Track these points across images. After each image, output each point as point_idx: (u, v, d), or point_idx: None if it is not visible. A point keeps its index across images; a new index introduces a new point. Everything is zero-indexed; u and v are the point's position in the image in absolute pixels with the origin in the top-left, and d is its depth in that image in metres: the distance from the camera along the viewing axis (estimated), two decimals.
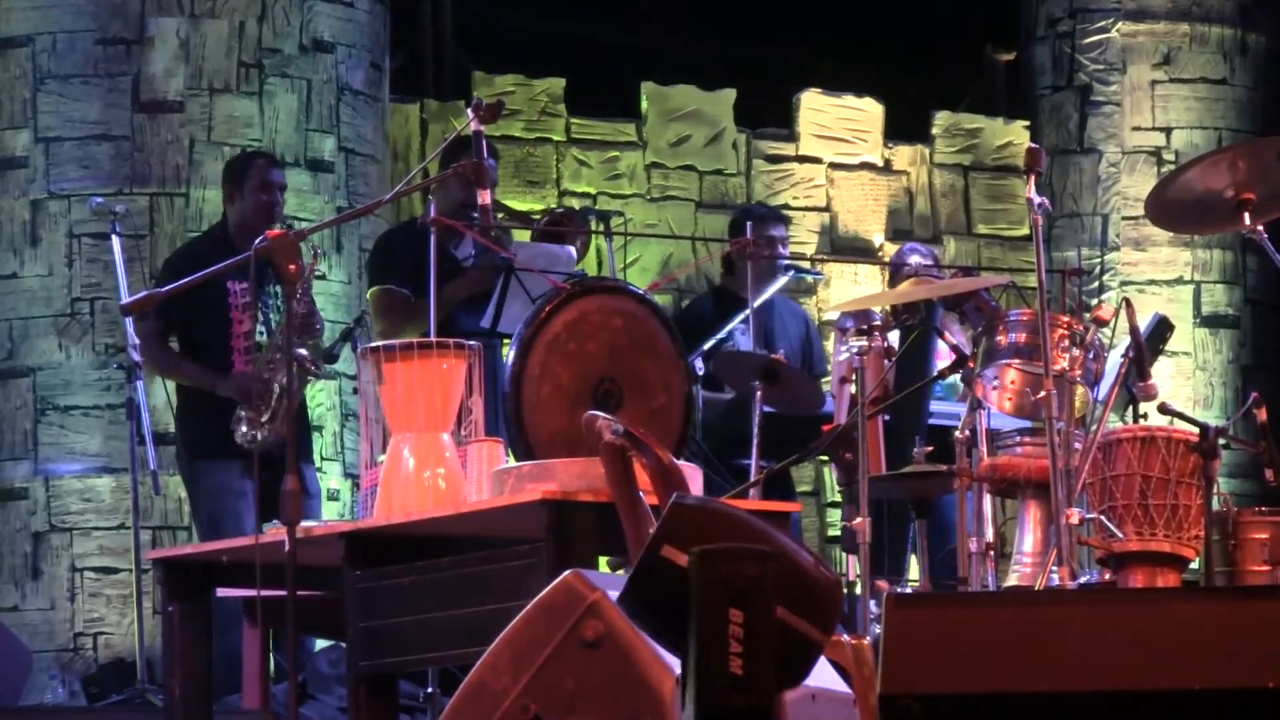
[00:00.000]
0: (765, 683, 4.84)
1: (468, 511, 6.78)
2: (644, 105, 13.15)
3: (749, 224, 10.79)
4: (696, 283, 12.14)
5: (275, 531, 6.93)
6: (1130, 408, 7.94)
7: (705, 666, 4.79)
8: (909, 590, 8.77)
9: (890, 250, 13.36)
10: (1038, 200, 7.37)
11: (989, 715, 5.03)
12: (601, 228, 11.20)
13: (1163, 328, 8.90)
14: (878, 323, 8.72)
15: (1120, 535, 7.39)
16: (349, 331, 9.93)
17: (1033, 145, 7.39)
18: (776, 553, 4.96)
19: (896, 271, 10.59)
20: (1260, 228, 7.04)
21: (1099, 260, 13.52)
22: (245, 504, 9.42)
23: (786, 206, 13.04)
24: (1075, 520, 7.20)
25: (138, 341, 9.94)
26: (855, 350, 8.07)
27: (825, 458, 10.67)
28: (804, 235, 13.22)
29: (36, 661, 10.55)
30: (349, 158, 11.59)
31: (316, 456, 10.69)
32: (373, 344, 7.41)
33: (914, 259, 10.65)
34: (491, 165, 9.97)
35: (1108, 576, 7.51)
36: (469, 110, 8.15)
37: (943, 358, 9.20)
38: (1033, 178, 7.42)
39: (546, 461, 6.70)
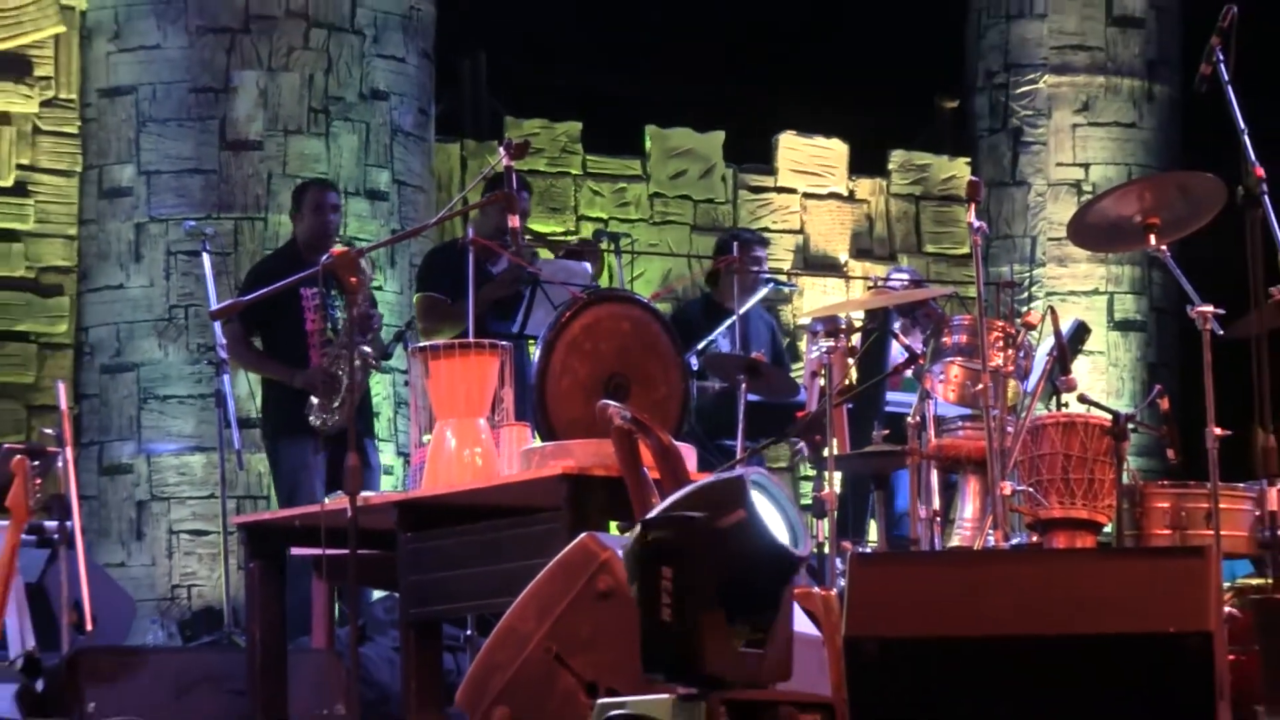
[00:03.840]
0: (694, 627, 4.84)
1: (500, 484, 6.78)
2: (647, 145, 13.13)
3: (735, 245, 10.80)
4: (692, 293, 12.11)
5: (339, 500, 6.94)
6: (1054, 398, 7.91)
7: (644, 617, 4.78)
8: (869, 550, 8.77)
9: (854, 266, 13.37)
10: (977, 224, 7.35)
11: (936, 655, 5.03)
12: (612, 247, 11.22)
13: (1081, 331, 8.87)
14: (844, 326, 8.71)
15: (1045, 504, 7.38)
16: (401, 333, 9.92)
17: (973, 178, 7.37)
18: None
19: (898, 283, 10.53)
20: (1164, 247, 7.03)
21: (1028, 274, 13.49)
22: (316, 477, 9.42)
23: (767, 230, 13.02)
24: (1008, 492, 7.19)
25: (224, 342, 9.93)
26: (824, 350, 8.06)
27: (799, 440, 10.65)
28: (781, 254, 13.20)
29: (139, 609, 10.54)
30: (401, 188, 11.57)
31: (378, 436, 10.68)
32: (421, 344, 7.42)
33: (899, 279, 10.63)
34: (525, 197, 10.01)
35: (1035, 539, 7.50)
36: (501, 149, 8.11)
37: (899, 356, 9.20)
38: (973, 206, 7.40)
39: (566, 442, 6.70)
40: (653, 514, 4.93)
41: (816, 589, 5.68)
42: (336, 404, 9.06)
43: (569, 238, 12.49)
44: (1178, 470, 8.05)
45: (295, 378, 9.47)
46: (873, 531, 9.90)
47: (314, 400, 9.22)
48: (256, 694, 7.43)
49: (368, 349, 9.08)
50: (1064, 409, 7.82)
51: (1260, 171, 6.12)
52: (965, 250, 13.26)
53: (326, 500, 7.57)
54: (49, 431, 8.94)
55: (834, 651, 5.26)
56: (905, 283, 10.40)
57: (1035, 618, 5.06)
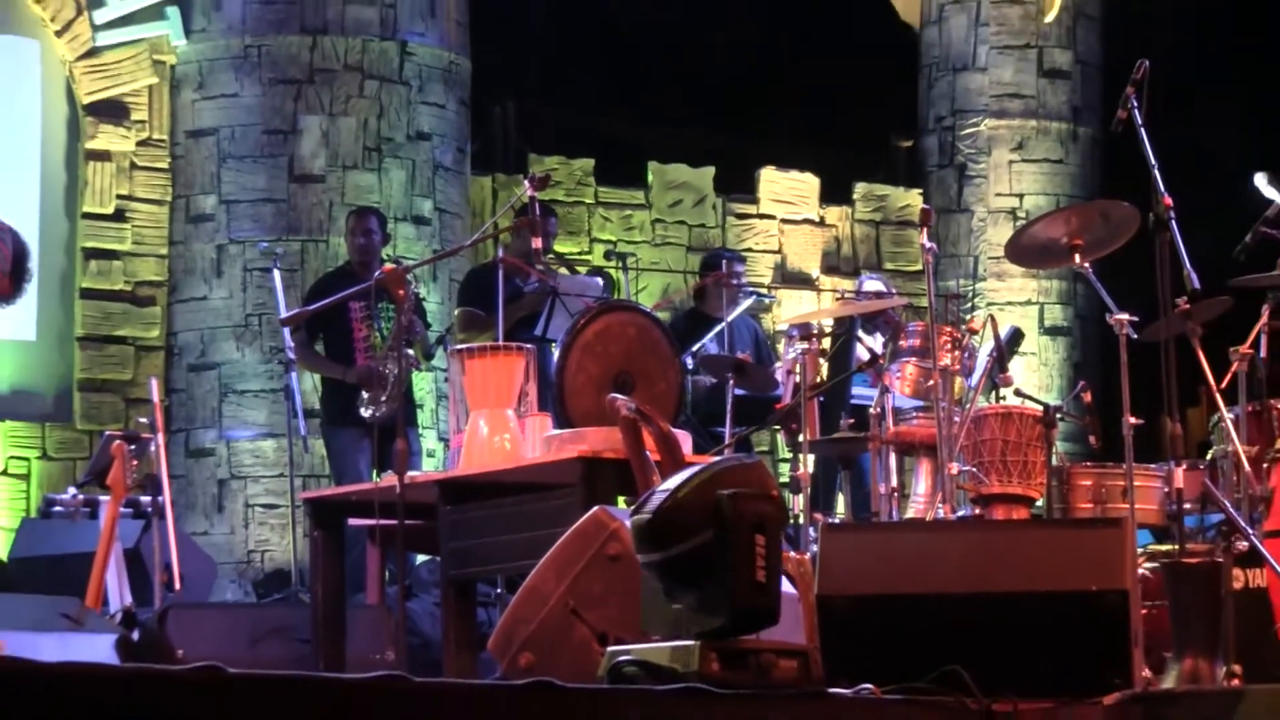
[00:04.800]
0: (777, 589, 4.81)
1: (525, 465, 6.78)
2: (650, 178, 13.12)
3: (724, 262, 10.81)
4: (687, 304, 12.11)
5: (389, 479, 6.95)
6: (994, 392, 7.92)
7: (738, 576, 4.73)
8: (838, 521, 8.77)
9: (824, 281, 13.36)
10: (928, 245, 7.36)
11: (895, 609, 5.04)
12: (620, 265, 11.22)
13: (1016, 336, 8.89)
14: (815, 331, 8.71)
15: (986, 482, 7.39)
16: (441, 338, 9.91)
17: (924, 206, 7.40)
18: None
19: (862, 294, 10.50)
20: (1086, 264, 7.03)
21: (971, 288, 13.48)
22: (363, 459, 9.42)
23: (750, 250, 13.00)
24: (954, 471, 7.20)
25: (292, 345, 9.94)
26: (799, 351, 8.06)
27: (778, 428, 10.65)
28: (762, 270, 13.19)
29: (220, 571, 10.53)
30: (441, 215, 11.56)
31: (421, 425, 10.68)
32: (458, 346, 7.43)
33: (870, 285, 10.62)
34: (552, 222, 10.03)
35: (977, 511, 7.51)
36: (526, 182, 8.11)
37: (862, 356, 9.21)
38: (924, 229, 7.40)
39: (581, 430, 6.70)
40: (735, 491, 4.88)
41: (793, 553, 5.67)
42: (384, 398, 9.06)
43: (584, 256, 12.51)
44: (1098, 453, 8.07)
45: (348, 375, 9.48)
46: (840, 505, 9.89)
47: (364, 395, 9.23)
48: (319, 642, 7.43)
49: (410, 351, 9.08)
50: (1002, 401, 7.83)
51: (1168, 201, 6.12)
52: (918, 267, 13.23)
53: (377, 479, 7.57)
54: (144, 420, 8.96)
55: (808, 607, 5.26)
56: (877, 287, 10.37)
57: (978, 578, 5.07)
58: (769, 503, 4.80)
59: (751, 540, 4.71)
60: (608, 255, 11.58)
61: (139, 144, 11.51)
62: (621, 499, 6.62)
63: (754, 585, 4.71)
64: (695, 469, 4.93)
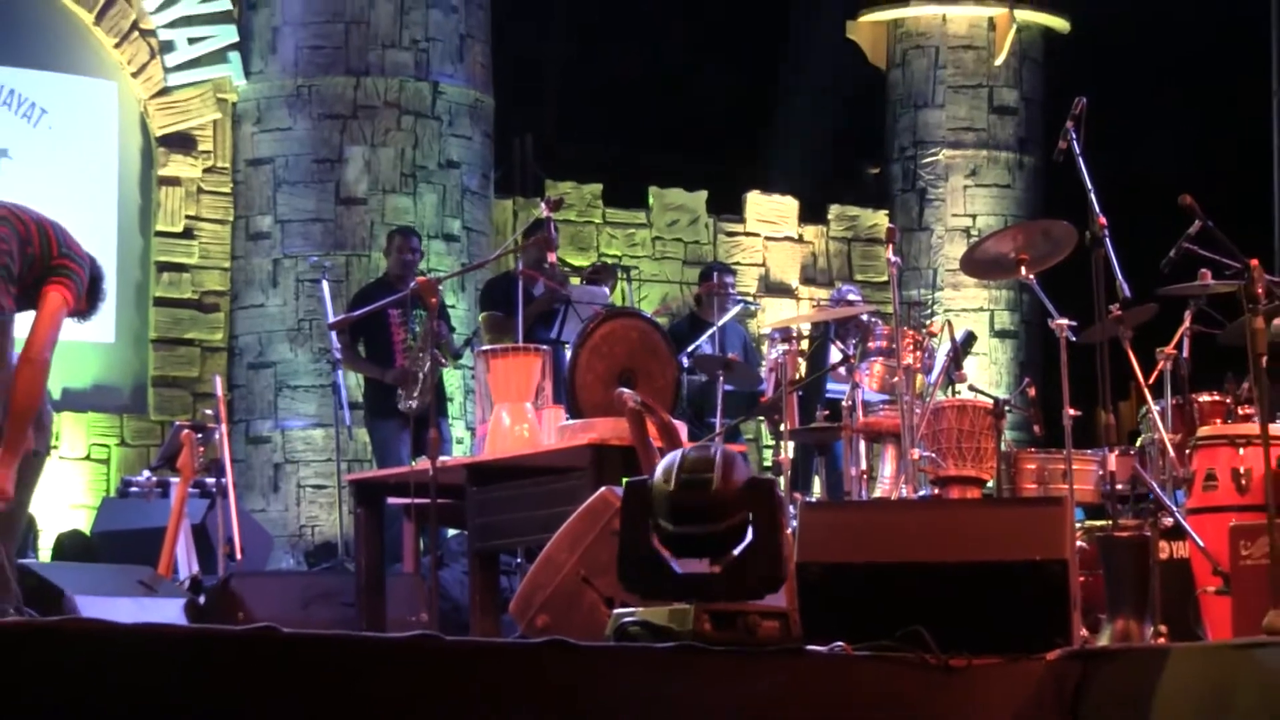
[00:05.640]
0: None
1: (541, 451, 6.77)
2: (651, 201, 13.12)
3: (715, 274, 10.80)
4: (682, 310, 12.11)
5: (423, 463, 6.94)
6: (950, 387, 7.91)
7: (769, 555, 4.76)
8: (814, 499, 8.77)
9: (803, 291, 13.36)
10: (893, 259, 7.36)
11: (864, 575, 5.03)
12: (625, 276, 11.23)
13: (970, 339, 8.85)
14: (795, 335, 8.70)
15: (944, 465, 7.37)
16: (468, 340, 9.92)
17: (890, 225, 7.39)
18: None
19: (837, 302, 10.50)
20: (1031, 276, 7.02)
21: (931, 296, 13.48)
22: (402, 446, 9.41)
23: (738, 263, 13.00)
24: (916, 457, 7.18)
25: (338, 346, 9.93)
26: (780, 352, 8.06)
27: (762, 418, 10.66)
28: (749, 281, 13.18)
29: (275, 543, 10.53)
30: (468, 233, 11.55)
31: (450, 416, 10.69)
32: (483, 347, 7.43)
33: (845, 294, 10.61)
34: (554, 238, 10.01)
35: (936, 491, 7.49)
36: (542, 204, 8.13)
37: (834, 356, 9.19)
38: (890, 245, 7.40)
39: (591, 420, 6.69)
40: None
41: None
42: (417, 393, 9.07)
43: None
44: (1041, 441, 8.05)
45: (387, 375, 9.47)
46: (816, 486, 9.88)
47: (400, 391, 9.23)
48: (362, 606, 7.41)
49: (438, 352, 9.10)
50: (957, 395, 7.81)
51: (1103, 220, 6.12)
52: (885, 279, 13.21)
53: (413, 464, 7.56)
54: (209, 412, 8.95)
55: (788, 575, 5.25)
56: (851, 298, 10.36)
57: (937, 548, 5.05)
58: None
59: (782, 521, 4.73)
60: (614, 268, 11.55)
61: (205, 171, 11.51)
62: (625, 481, 6.63)
63: (783, 561, 4.77)
64: (692, 449, 4.93)
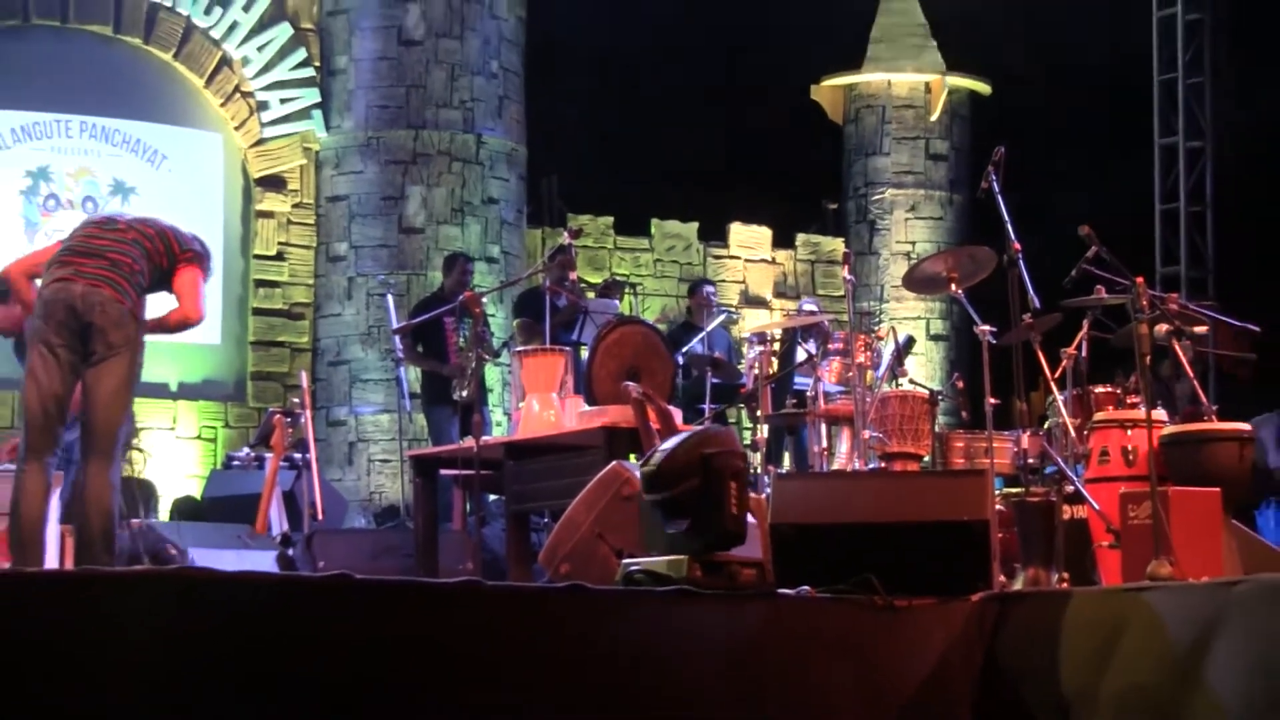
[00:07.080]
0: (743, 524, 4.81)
1: (564, 432, 6.75)
2: (653, 230, 13.12)
3: (702, 288, 10.80)
4: (678, 318, 12.10)
5: (469, 442, 6.94)
6: (894, 381, 7.90)
7: (719, 511, 4.74)
8: (785, 471, 8.75)
9: (775, 303, 13.35)
10: (848, 278, 7.35)
11: (826, 533, 5.02)
12: (631, 291, 11.22)
13: (910, 342, 8.85)
14: (769, 339, 8.67)
15: (889, 444, 7.35)
16: (505, 343, 9.92)
17: (846, 250, 7.39)
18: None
19: (802, 312, 10.46)
20: (960, 291, 7.01)
21: (879, 308, 13.48)
22: (453, 428, 9.40)
23: (723, 280, 13.02)
24: (866, 437, 7.17)
25: (400, 348, 9.93)
26: (757, 352, 8.03)
27: (742, 406, 10.65)
28: (731, 295, 13.18)
29: (350, 506, 10.54)
30: (506, 256, 11.56)
31: (491, 404, 10.69)
32: (517, 349, 7.41)
33: (809, 305, 10.59)
34: (574, 259, 10.01)
35: (883, 465, 7.48)
36: (565, 232, 8.12)
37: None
38: (846, 266, 7.40)
39: (604, 407, 6.67)
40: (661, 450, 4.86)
41: (753, 494, 5.66)
42: (466, 385, 9.07)
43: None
44: (968, 424, 8.04)
45: (444, 369, 9.46)
46: (786, 461, 9.87)
47: (454, 383, 9.22)
48: (419, 557, 7.42)
49: (482, 351, 9.08)
50: (900, 387, 7.80)
51: (1017, 245, 6.11)
52: (841, 293, 13.17)
53: (461, 442, 7.54)
54: (296, 401, 8.95)
55: (764, 532, 5.25)
56: (813, 309, 10.33)
57: (885, 511, 5.05)
58: (739, 459, 4.80)
59: (727, 485, 4.72)
60: (622, 284, 11.54)
61: (293, 206, 11.53)
62: (632, 456, 6.63)
63: (730, 517, 4.73)
64: (685, 435, 4.93)
